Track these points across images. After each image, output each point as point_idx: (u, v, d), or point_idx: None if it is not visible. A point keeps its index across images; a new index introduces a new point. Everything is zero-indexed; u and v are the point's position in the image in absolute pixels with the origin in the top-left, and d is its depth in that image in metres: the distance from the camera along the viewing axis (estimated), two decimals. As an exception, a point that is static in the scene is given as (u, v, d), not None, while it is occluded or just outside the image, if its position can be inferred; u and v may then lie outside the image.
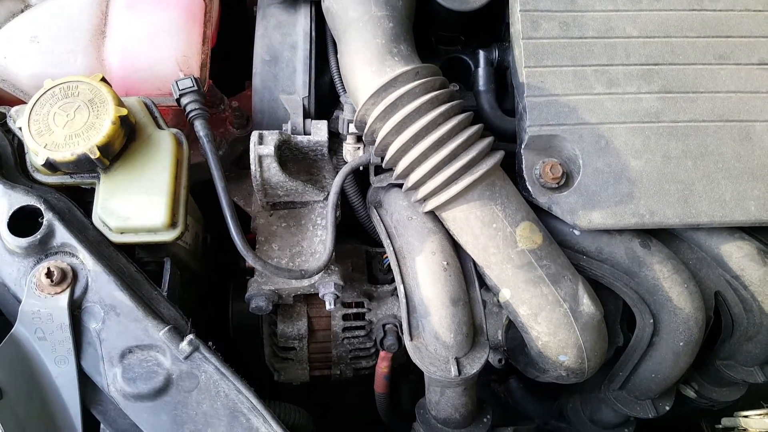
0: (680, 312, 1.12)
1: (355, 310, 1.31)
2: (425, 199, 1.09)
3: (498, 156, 1.07)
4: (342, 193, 1.28)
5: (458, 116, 1.06)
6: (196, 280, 1.31)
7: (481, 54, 1.28)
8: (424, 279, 1.09)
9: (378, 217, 1.22)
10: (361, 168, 1.22)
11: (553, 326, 1.07)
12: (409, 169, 1.07)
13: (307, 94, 1.26)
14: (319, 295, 1.18)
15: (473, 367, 1.09)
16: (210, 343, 0.97)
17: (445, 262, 1.09)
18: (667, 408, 1.24)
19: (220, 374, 0.95)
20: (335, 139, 1.27)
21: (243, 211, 1.31)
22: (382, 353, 1.30)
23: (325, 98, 1.31)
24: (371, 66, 1.09)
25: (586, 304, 1.07)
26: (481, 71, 1.26)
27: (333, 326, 1.31)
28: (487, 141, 1.07)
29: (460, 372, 1.07)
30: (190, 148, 1.12)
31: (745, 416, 1.16)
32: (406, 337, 1.11)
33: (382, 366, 1.31)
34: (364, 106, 1.07)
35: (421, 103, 1.04)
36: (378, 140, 1.08)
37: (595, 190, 1.10)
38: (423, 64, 1.09)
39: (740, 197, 1.11)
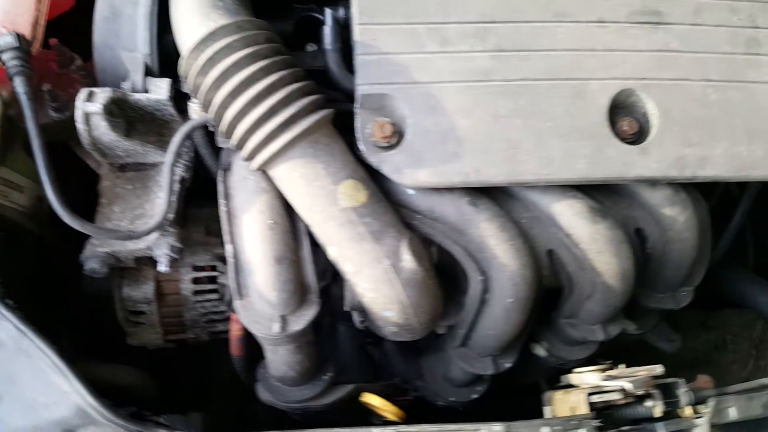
0: (507, 269, 1.14)
1: (205, 274, 1.30)
2: (250, 157, 1.07)
3: (322, 113, 1.06)
4: (199, 155, 1.27)
5: (280, 72, 1.05)
6: (41, 244, 1.29)
7: (328, 12, 1.26)
8: (250, 238, 1.09)
9: (221, 179, 1.21)
10: (210, 128, 1.20)
11: (375, 282, 1.08)
12: (231, 127, 1.06)
13: (150, 52, 1.24)
14: (153, 256, 1.17)
15: (298, 324, 1.09)
16: (9, 301, 0.96)
17: (272, 221, 1.09)
18: (508, 365, 1.27)
19: (19, 332, 0.94)
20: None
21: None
22: (233, 316, 1.29)
23: (173, 56, 1.28)
24: (193, 19, 1.07)
25: (408, 260, 1.08)
26: (327, 29, 1.24)
27: (182, 290, 1.30)
28: (310, 98, 1.06)
29: (283, 329, 1.08)
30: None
31: (579, 372, 1.18)
32: (235, 297, 1.11)
33: (234, 329, 1.30)
34: (186, 61, 1.05)
35: (239, 58, 1.02)
36: (200, 97, 1.06)
37: (422, 150, 1.10)
38: (247, 18, 1.07)
39: (569, 155, 1.12)
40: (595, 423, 1.04)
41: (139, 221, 1.20)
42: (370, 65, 1.11)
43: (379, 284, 1.08)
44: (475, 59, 1.13)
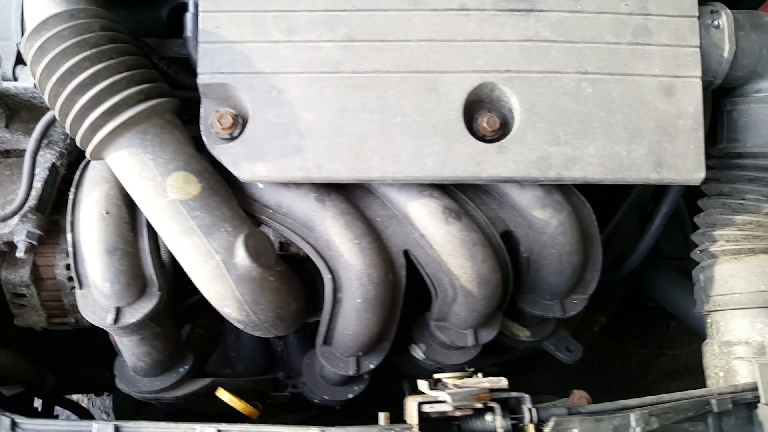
0: (352, 268, 1.10)
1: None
2: (83, 146, 1.06)
3: (151, 103, 1.03)
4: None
5: (109, 60, 1.03)
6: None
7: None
8: (85, 228, 1.08)
9: (81, 168, 1.20)
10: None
11: (208, 278, 1.05)
12: (62, 115, 1.05)
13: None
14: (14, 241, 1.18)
15: (134, 316, 1.08)
16: None
17: (105, 211, 1.08)
18: (372, 366, 1.22)
19: None
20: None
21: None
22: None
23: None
24: (36, 5, 1.07)
25: (241, 257, 1.04)
26: (188, 16, 1.21)
27: (57, 275, 1.31)
28: (138, 88, 1.03)
29: (117, 320, 1.07)
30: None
31: (438, 379, 1.13)
32: (76, 285, 1.11)
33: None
34: (23, 49, 1.05)
35: (66, 47, 1.01)
36: (38, 85, 1.06)
37: (262, 142, 1.06)
38: (83, 6, 1.05)
39: (418, 153, 1.06)
40: (413, 434, 0.99)
41: (9, 207, 1.22)
42: (212, 54, 1.07)
43: (212, 280, 1.05)
44: (323, 49, 1.08)
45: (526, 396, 1.03)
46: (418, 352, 1.31)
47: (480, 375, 1.09)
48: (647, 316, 1.89)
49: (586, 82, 1.09)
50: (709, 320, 1.19)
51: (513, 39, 1.09)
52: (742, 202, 1.16)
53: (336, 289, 1.13)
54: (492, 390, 1.02)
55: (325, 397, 1.32)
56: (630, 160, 1.08)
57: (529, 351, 1.46)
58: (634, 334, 2.13)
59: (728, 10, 1.13)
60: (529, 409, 1.02)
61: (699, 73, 1.09)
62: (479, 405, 1.02)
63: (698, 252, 1.22)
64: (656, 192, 1.50)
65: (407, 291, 1.18)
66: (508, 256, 1.17)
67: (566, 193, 1.17)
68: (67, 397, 1.77)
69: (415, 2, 1.09)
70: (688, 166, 1.08)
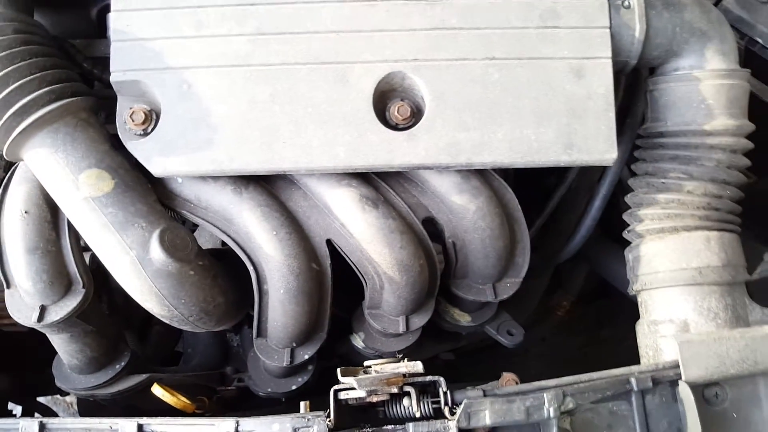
0: (272, 259, 1.11)
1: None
2: None
3: (61, 102, 1.05)
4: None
5: (20, 63, 1.05)
6: None
7: (114, -1, 1.24)
8: (7, 228, 1.10)
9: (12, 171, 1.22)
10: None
11: (124, 274, 1.07)
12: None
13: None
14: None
15: (58, 314, 1.10)
16: None
17: (25, 211, 1.10)
18: (306, 356, 1.22)
19: None
20: None
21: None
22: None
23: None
24: None
25: (156, 252, 1.06)
26: (111, 16, 1.23)
27: (-2, 276, 1.34)
28: (50, 88, 1.05)
29: (41, 318, 1.09)
30: None
31: (368, 366, 1.13)
32: (5, 285, 1.13)
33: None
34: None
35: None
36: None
37: (174, 137, 1.08)
38: (-3, 10, 1.08)
39: (329, 143, 1.07)
40: (327, 421, 1.00)
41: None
42: (124, 51, 1.09)
43: (129, 276, 1.07)
44: (233, 43, 1.09)
45: (441, 379, 1.03)
46: (358, 341, 1.31)
47: (406, 360, 1.10)
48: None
49: (494, 67, 1.09)
50: (639, 300, 1.19)
51: (420, 27, 1.09)
52: (664, 180, 1.15)
53: (260, 281, 1.15)
54: (407, 375, 1.03)
55: (269, 390, 1.33)
56: (539, 144, 1.08)
57: (479, 337, 1.46)
58: (626, 317, 2.12)
59: (640, -10, 1.13)
60: (444, 393, 1.02)
61: (609, 54, 1.09)
62: (394, 390, 1.03)
63: (627, 232, 1.22)
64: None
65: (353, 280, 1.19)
66: (430, 243, 1.18)
67: (486, 178, 1.17)
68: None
69: (321, -8, 1.10)
70: (599, 147, 1.08)
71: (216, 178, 1.12)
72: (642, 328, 1.16)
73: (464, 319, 1.35)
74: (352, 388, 1.02)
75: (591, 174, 1.48)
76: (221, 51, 1.09)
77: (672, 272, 1.12)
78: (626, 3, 1.12)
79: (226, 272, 1.18)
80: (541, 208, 1.57)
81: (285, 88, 1.08)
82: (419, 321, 1.23)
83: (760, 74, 1.34)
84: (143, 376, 1.25)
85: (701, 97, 1.12)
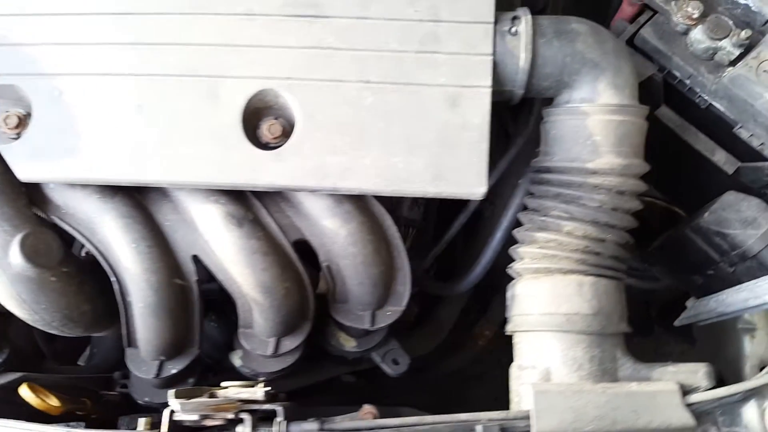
0: (130, 272, 1.10)
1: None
2: None
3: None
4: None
5: None
6: None
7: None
8: None
9: None
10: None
11: (-16, 277, 1.07)
12: None
13: None
14: None
15: None
16: None
17: None
18: (174, 371, 1.21)
19: None
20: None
21: None
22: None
23: None
24: None
25: (15, 256, 1.06)
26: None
27: None
28: None
29: None
30: None
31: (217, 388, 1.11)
32: None
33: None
34: None
35: None
36: None
37: (42, 143, 1.07)
38: None
39: (196, 158, 1.05)
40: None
41: None
42: (1, 56, 1.09)
43: (-10, 279, 1.07)
44: (107, 51, 1.08)
45: (279, 409, 1.01)
46: (236, 360, 1.29)
47: (261, 386, 1.07)
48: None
49: (368, 91, 1.06)
50: (513, 341, 1.14)
51: (297, 45, 1.07)
52: (544, 219, 1.10)
53: (123, 293, 1.14)
54: (244, 401, 1.01)
55: (146, 399, 1.32)
56: (407, 172, 1.04)
57: (368, 361, 1.42)
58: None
59: (530, 17, 1.07)
60: (279, 423, 1.00)
61: (488, 83, 1.05)
62: (230, 415, 1.01)
63: (508, 269, 1.17)
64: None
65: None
66: (300, 265, 1.15)
67: (364, 202, 1.14)
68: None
69: (200, 5, 1.08)
70: (468, 180, 1.04)
71: (84, 185, 1.11)
72: (513, 372, 1.11)
73: (349, 344, 1.32)
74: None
75: (505, 201, 1.43)
76: (94, 59, 1.08)
77: (541, 316, 1.07)
78: (513, 30, 1.07)
79: (98, 280, 1.17)
80: (466, 234, 1.54)
81: (155, 100, 1.06)
82: (290, 344, 1.21)
83: (681, 108, 1.27)
84: (15, 375, 1.25)
85: (588, 133, 1.07)
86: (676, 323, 1.43)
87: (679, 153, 1.31)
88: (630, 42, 1.25)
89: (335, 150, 1.05)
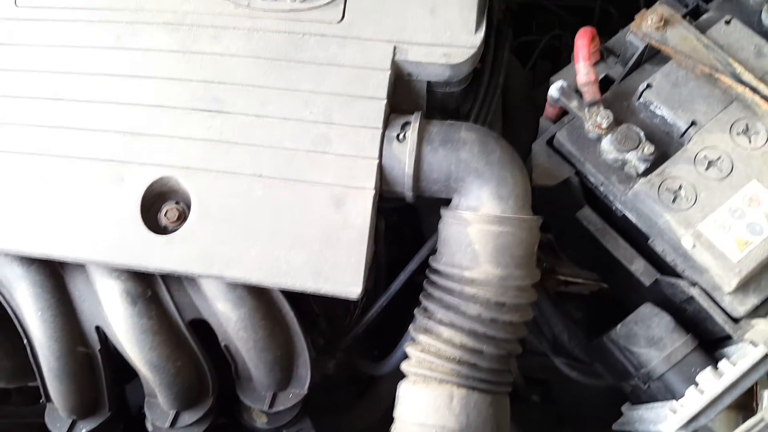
0: (36, 339, 1.17)
1: None
2: None
3: None
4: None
5: None
6: None
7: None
8: None
9: None
10: None
11: None
12: None
13: None
14: None
15: None
16: None
17: None
18: (84, 430, 1.27)
19: None
20: None
21: None
22: None
23: None
24: None
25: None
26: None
27: None
28: None
29: None
30: None
31: None
32: None
33: None
34: None
35: None
36: None
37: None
38: None
39: (93, 237, 1.10)
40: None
41: None
42: None
43: None
44: (25, 131, 1.16)
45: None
46: (148, 425, 1.34)
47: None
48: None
49: (259, 184, 1.10)
50: (394, 443, 1.13)
51: (199, 137, 1.13)
52: (428, 321, 1.09)
53: (34, 355, 1.21)
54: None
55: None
56: (288, 266, 1.07)
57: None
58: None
59: (418, 124, 1.09)
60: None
61: (372, 185, 1.07)
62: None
63: (402, 365, 1.16)
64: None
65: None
66: (194, 344, 1.19)
67: (258, 288, 1.16)
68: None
69: (113, 95, 1.16)
70: (345, 279, 1.05)
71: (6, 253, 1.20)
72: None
73: (260, 419, 1.33)
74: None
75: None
76: (8, 136, 1.16)
77: (413, 425, 1.05)
78: (401, 136, 1.09)
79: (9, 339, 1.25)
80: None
81: (64, 180, 1.13)
82: (189, 418, 1.24)
83: (603, 211, 1.23)
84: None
85: (469, 241, 1.06)
86: (614, 427, 1.36)
87: (606, 253, 1.26)
88: (550, 142, 1.23)
89: (223, 239, 1.09)
